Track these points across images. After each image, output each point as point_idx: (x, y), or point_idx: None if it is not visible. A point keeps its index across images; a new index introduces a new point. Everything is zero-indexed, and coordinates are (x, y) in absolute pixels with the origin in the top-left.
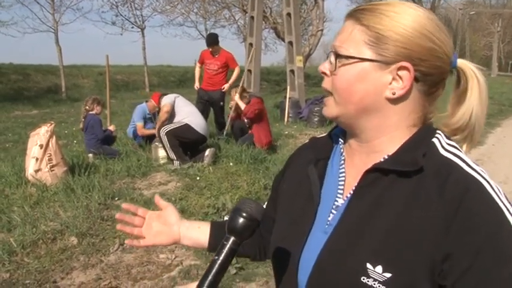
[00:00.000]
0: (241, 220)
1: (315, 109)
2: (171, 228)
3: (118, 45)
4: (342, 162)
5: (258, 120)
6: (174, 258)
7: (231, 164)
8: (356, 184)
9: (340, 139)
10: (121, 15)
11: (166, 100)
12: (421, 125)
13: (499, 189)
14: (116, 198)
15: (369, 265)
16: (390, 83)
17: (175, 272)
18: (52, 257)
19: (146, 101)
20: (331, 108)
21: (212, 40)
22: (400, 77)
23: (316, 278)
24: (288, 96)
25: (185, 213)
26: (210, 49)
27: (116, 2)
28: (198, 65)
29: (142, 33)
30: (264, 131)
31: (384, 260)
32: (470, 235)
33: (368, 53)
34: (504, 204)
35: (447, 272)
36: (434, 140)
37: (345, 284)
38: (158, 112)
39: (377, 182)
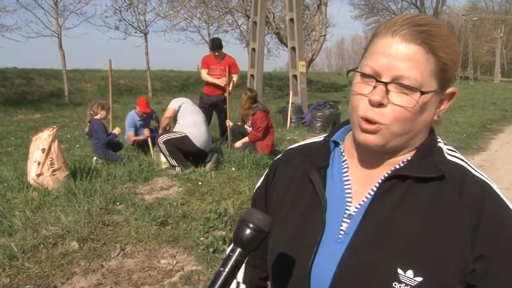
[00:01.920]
0: (248, 231)
1: (318, 114)
2: None
3: (121, 50)
4: (346, 169)
5: (264, 136)
6: (176, 263)
7: (233, 169)
8: (371, 191)
9: (340, 146)
10: (124, 20)
11: (172, 104)
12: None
13: (498, 187)
14: (118, 203)
15: (399, 270)
16: (438, 107)
17: (176, 278)
18: (53, 261)
19: (135, 108)
20: (381, 139)
21: (217, 44)
22: (443, 100)
23: None
24: (290, 101)
25: (187, 218)
26: (215, 53)
27: (120, 7)
28: (205, 70)
29: (146, 38)
30: (268, 141)
31: (415, 264)
32: (497, 236)
33: (435, 84)
34: (507, 201)
35: (479, 272)
36: (440, 145)
37: None
38: (146, 117)
39: (394, 189)
